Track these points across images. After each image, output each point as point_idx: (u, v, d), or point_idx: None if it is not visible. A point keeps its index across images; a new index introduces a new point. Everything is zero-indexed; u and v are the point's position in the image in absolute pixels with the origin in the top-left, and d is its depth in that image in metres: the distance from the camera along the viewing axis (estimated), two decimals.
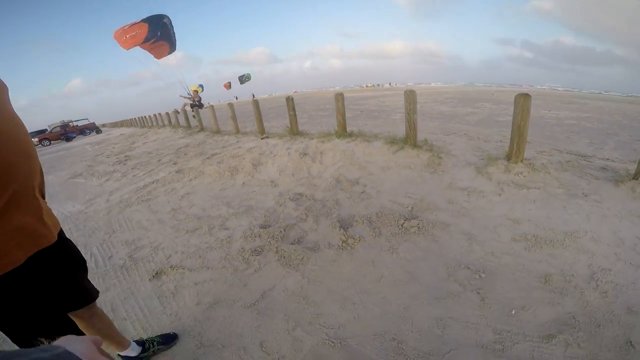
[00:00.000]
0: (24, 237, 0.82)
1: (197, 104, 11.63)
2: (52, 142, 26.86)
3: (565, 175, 3.06)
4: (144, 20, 8.05)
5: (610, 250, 2.07)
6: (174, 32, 8.98)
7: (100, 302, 2.20)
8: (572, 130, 6.72)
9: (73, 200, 5.19)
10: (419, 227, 2.53)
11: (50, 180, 7.42)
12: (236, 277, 2.25)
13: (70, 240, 1.11)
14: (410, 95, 4.03)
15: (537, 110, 10.64)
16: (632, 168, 3.13)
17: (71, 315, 1.09)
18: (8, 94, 0.97)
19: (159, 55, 9.04)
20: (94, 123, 31.58)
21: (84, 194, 5.50)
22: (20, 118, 0.93)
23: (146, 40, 7.83)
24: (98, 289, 2.24)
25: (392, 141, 4.33)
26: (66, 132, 27.36)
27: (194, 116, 13.78)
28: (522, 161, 3.30)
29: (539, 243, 2.21)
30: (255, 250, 2.48)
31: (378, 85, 70.57)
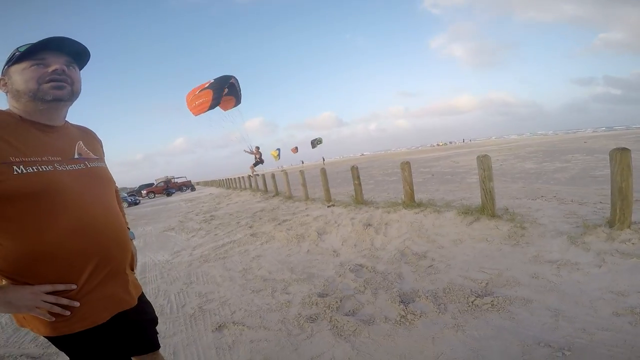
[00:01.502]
0: (111, 303, 1.08)
1: (259, 161, 12.47)
2: (156, 195, 31.68)
3: None
4: (210, 86, 8.91)
5: None
6: (240, 89, 10.00)
7: (165, 344, 2.45)
8: None
9: (163, 250, 5.96)
10: (492, 304, 2.29)
11: (149, 231, 8.67)
12: (289, 340, 2.28)
13: (149, 302, 1.37)
14: (484, 161, 3.93)
15: None
16: None
17: (135, 358, 1.30)
18: (103, 149, 1.30)
19: (225, 108, 10.11)
20: (190, 181, 36.57)
21: (173, 246, 6.30)
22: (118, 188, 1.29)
23: (211, 107, 8.74)
24: (167, 332, 2.51)
25: (466, 211, 4.15)
26: (168, 187, 32.15)
27: (249, 176, 14.71)
28: (629, 227, 2.86)
29: None
30: (311, 317, 2.50)
31: (450, 142, 68.72)
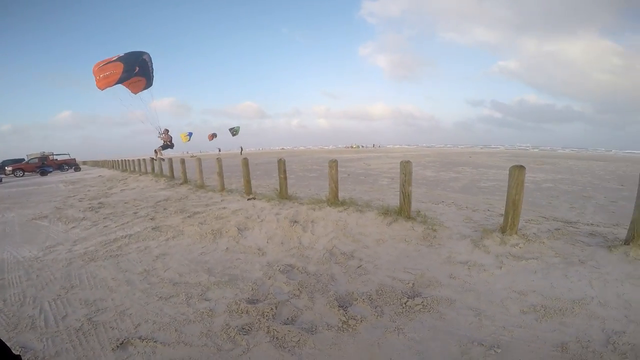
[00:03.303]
0: None
1: (168, 145, 11.25)
2: (26, 173, 25.36)
3: (558, 243, 3.14)
4: (120, 59, 7.93)
5: (620, 313, 2.12)
6: (152, 69, 9.02)
7: None
8: (552, 195, 7.08)
9: (30, 244, 4.67)
10: (423, 305, 2.41)
11: (11, 219, 6.77)
12: (220, 357, 1.93)
13: None
14: (406, 167, 4.12)
15: None
16: (618, 232, 3.34)
17: None
18: None
19: (135, 90, 9.02)
20: (74, 159, 30.51)
21: (45, 238, 4.98)
22: None
23: (120, 81, 7.76)
24: (46, 352, 1.83)
25: (385, 212, 4.32)
26: (43, 165, 26.03)
27: (152, 159, 13.22)
28: (516, 233, 3.34)
29: (548, 313, 2.19)
30: (243, 329, 2.17)
31: (362, 146, 73.94)
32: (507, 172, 3.32)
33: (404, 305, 2.44)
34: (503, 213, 3.49)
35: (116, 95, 8.48)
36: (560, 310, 2.21)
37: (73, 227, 5.65)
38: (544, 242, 3.14)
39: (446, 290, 2.62)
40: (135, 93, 9.00)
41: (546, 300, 2.33)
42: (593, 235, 3.28)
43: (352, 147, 72.05)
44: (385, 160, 20.11)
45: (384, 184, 8.87)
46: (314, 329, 2.16)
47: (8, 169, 25.51)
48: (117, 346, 2.05)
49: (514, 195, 3.26)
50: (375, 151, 42.97)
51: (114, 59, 7.92)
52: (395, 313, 2.35)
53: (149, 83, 9.08)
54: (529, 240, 3.20)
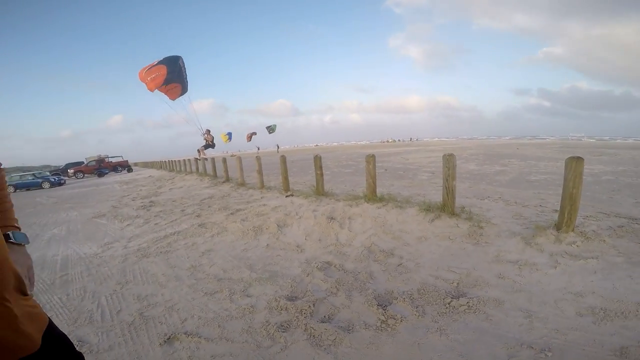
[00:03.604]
0: None
1: (210, 144, 11.72)
2: (85, 175, 28.11)
3: (622, 242, 2.87)
4: (162, 62, 8.46)
5: None
6: (186, 74, 9.45)
7: None
8: (613, 188, 6.36)
9: (91, 242, 5.12)
10: (469, 306, 2.28)
11: (74, 217, 7.51)
12: (259, 354, 1.96)
13: (62, 337, 0.92)
14: (449, 160, 3.92)
15: None
16: None
17: None
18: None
19: (173, 96, 9.51)
20: (127, 161, 33.15)
21: (104, 236, 5.45)
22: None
23: (166, 82, 8.25)
24: (100, 345, 1.98)
25: (427, 208, 4.15)
26: (100, 167, 28.67)
27: (196, 159, 13.82)
28: (573, 230, 3.06)
29: (608, 316, 2.03)
30: (282, 326, 2.20)
31: (399, 140, 72.06)
32: (560, 164, 3.04)
33: (447, 305, 2.32)
34: (557, 209, 3.21)
35: (162, 99, 9.07)
36: (623, 313, 2.01)
37: (128, 224, 6.13)
38: (604, 241, 2.86)
39: (494, 291, 2.46)
40: (173, 99, 9.56)
41: (606, 302, 2.13)
42: None
43: (387, 141, 70.49)
44: (424, 154, 19.37)
45: (424, 179, 8.55)
46: (350, 328, 2.13)
47: (70, 171, 28.41)
48: (165, 341, 2.16)
49: (571, 188, 2.97)
50: (413, 145, 41.69)
51: (155, 63, 8.49)
52: (437, 313, 2.24)
53: (184, 89, 9.60)
54: (587, 238, 2.92)
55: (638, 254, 2.63)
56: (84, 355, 2.00)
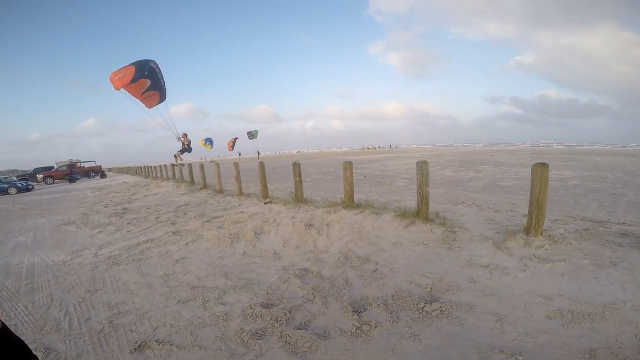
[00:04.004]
0: None
1: (186, 148, 11.53)
2: (55, 180, 26.74)
3: (587, 244, 2.99)
4: (131, 64, 8.51)
5: None
6: (163, 81, 9.29)
7: None
8: (579, 193, 6.75)
9: (59, 249, 4.89)
10: (441, 310, 2.33)
11: (42, 224, 7.14)
12: None
13: (17, 341, 0.91)
14: (423, 167, 4.03)
15: None
16: None
17: None
18: None
19: (149, 104, 9.38)
20: (100, 166, 31.86)
21: (73, 243, 5.22)
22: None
23: (133, 80, 8.26)
24: (68, 354, 1.92)
25: (402, 214, 4.24)
26: (71, 173, 27.37)
27: (173, 165, 13.58)
28: (541, 234, 3.19)
29: (576, 318, 2.09)
30: (257, 333, 2.18)
31: (378, 147, 73.13)
32: (530, 170, 3.19)
33: (420, 310, 2.37)
34: (527, 213, 3.35)
35: (135, 102, 8.88)
36: (590, 315, 2.10)
37: (99, 232, 5.89)
38: (571, 243, 2.99)
39: (466, 295, 2.53)
40: (150, 107, 9.39)
41: (574, 305, 2.22)
42: (625, 235, 3.09)
43: (368, 148, 71.55)
44: (402, 160, 19.82)
45: (401, 185, 8.74)
46: (326, 335, 2.14)
47: (39, 176, 27.01)
48: (135, 349, 2.11)
49: (538, 194, 3.12)
50: (392, 152, 42.48)
51: (125, 65, 8.43)
52: (411, 319, 2.28)
53: (162, 97, 9.44)
54: (555, 241, 3.06)
55: (602, 256, 2.74)
56: None
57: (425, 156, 23.78)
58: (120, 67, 8.45)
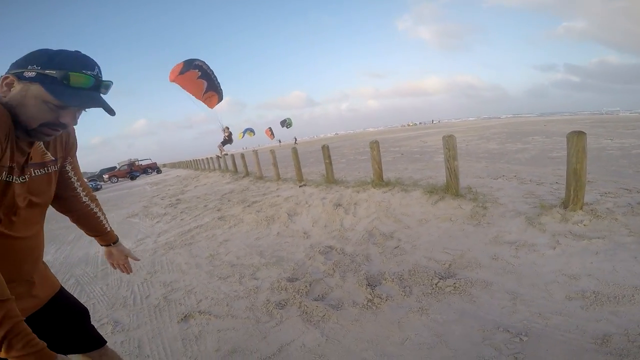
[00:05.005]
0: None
1: (227, 140, 12.18)
2: (119, 179, 30.04)
3: (637, 220, 2.69)
4: (181, 62, 9.40)
5: None
6: (217, 81, 9.92)
7: (129, 337, 2.39)
8: None
9: (126, 239, 5.67)
10: (455, 287, 2.33)
11: (112, 218, 8.20)
12: (257, 328, 2.25)
13: (69, 297, 1.24)
14: (449, 141, 3.95)
15: (597, 141, 9.87)
16: None
17: (82, 356, 1.20)
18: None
19: (211, 105, 10.12)
20: (155, 163, 34.91)
21: (137, 233, 6.01)
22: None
23: (180, 73, 9.02)
24: (131, 325, 2.36)
25: (431, 190, 4.20)
26: (132, 171, 30.52)
27: (217, 156, 14.47)
28: (581, 208, 2.96)
29: (599, 300, 1.95)
30: (280, 304, 2.48)
31: (420, 123, 70.17)
32: (589, 139, 2.93)
33: (434, 286, 2.41)
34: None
35: (196, 103, 9.77)
36: (616, 297, 1.93)
37: (157, 221, 6.69)
38: (617, 219, 2.72)
39: (484, 272, 2.48)
40: (212, 107, 10.24)
41: (601, 286, 2.05)
42: None
43: (408, 125, 68.85)
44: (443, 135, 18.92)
45: (439, 161, 8.50)
46: (340, 306, 2.34)
47: (105, 176, 30.49)
48: (182, 319, 2.51)
49: (575, 163, 2.89)
50: (434, 127, 40.46)
51: (184, 67, 9.31)
52: (423, 294, 2.35)
53: (220, 97, 10.17)
54: (597, 216, 2.81)
55: None
56: (118, 334, 2.41)
57: (471, 129, 22.42)
58: (183, 68, 9.43)
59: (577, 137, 2.91)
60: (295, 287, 2.67)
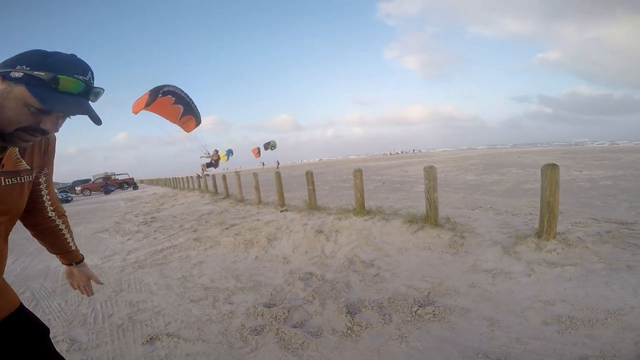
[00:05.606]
0: None
1: (212, 164, 12.04)
2: (92, 192, 28.72)
3: (606, 247, 2.87)
4: (148, 91, 9.19)
5: None
6: (194, 104, 9.86)
7: (87, 357, 2.22)
8: (609, 193, 6.43)
9: (93, 254, 5.33)
10: (434, 314, 2.35)
11: (79, 232, 7.77)
12: (230, 354, 2.12)
13: (29, 314, 1.14)
14: (430, 172, 4.09)
15: (567, 172, 10.37)
16: None
17: None
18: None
19: (187, 129, 10.09)
20: (132, 179, 33.78)
21: (105, 249, 5.67)
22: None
23: (147, 104, 8.99)
24: (89, 344, 2.23)
25: (411, 220, 4.28)
26: (107, 185, 29.33)
27: (198, 176, 14.27)
28: (554, 237, 3.13)
29: (574, 324, 2.03)
30: (255, 329, 2.35)
31: (402, 152, 72.07)
32: (540, 171, 3.16)
33: (413, 313, 2.41)
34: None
35: (156, 124, 9.63)
36: (590, 321, 2.03)
37: (128, 239, 6.36)
38: (587, 247, 2.91)
39: (463, 300, 2.53)
40: (188, 132, 10.17)
41: (575, 311, 2.15)
42: None
43: (390, 154, 70.87)
44: (424, 165, 19.58)
45: (419, 191, 8.71)
46: (319, 333, 2.26)
47: (77, 188, 29.15)
48: (147, 341, 2.34)
49: (548, 196, 3.09)
50: (415, 156, 41.82)
51: (159, 94, 9.20)
52: (402, 321, 2.33)
53: (198, 121, 10.15)
54: (569, 245, 2.99)
55: (620, 259, 2.65)
56: (74, 353, 2.21)
57: (450, 160, 23.29)
58: (149, 96, 9.28)
59: (550, 170, 3.11)
60: (273, 313, 2.55)
